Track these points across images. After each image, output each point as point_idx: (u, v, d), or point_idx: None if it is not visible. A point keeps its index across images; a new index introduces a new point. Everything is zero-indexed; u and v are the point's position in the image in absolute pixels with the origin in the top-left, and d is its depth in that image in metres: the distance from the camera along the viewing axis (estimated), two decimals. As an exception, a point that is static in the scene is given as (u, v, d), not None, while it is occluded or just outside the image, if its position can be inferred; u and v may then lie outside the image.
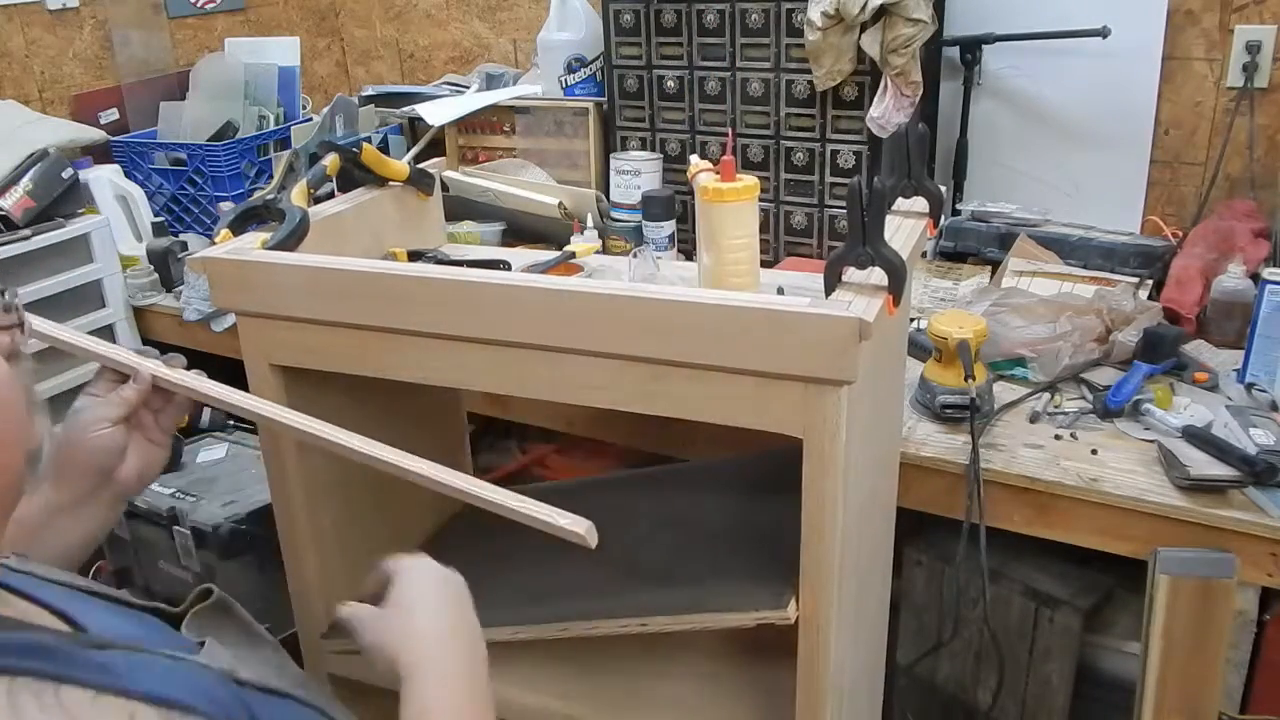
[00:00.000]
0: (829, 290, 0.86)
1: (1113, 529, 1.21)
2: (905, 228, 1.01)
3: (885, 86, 1.73)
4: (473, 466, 1.46)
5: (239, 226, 1.10)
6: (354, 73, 2.86)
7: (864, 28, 1.69)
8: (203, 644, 0.67)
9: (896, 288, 0.84)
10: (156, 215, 2.09)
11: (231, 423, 1.76)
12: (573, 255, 1.53)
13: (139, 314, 2.00)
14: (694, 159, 1.40)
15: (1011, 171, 1.96)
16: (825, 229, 1.92)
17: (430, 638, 0.79)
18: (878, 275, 0.85)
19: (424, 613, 0.80)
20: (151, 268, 1.98)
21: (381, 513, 1.21)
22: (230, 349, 1.73)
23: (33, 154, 1.89)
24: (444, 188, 1.56)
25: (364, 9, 2.76)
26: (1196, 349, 1.48)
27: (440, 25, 2.66)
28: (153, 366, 0.92)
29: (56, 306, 1.82)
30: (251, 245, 1.03)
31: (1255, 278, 1.45)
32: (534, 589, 1.12)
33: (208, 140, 2.13)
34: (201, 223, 2.13)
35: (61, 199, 1.91)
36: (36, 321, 0.97)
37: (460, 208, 1.97)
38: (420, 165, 1.28)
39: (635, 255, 1.48)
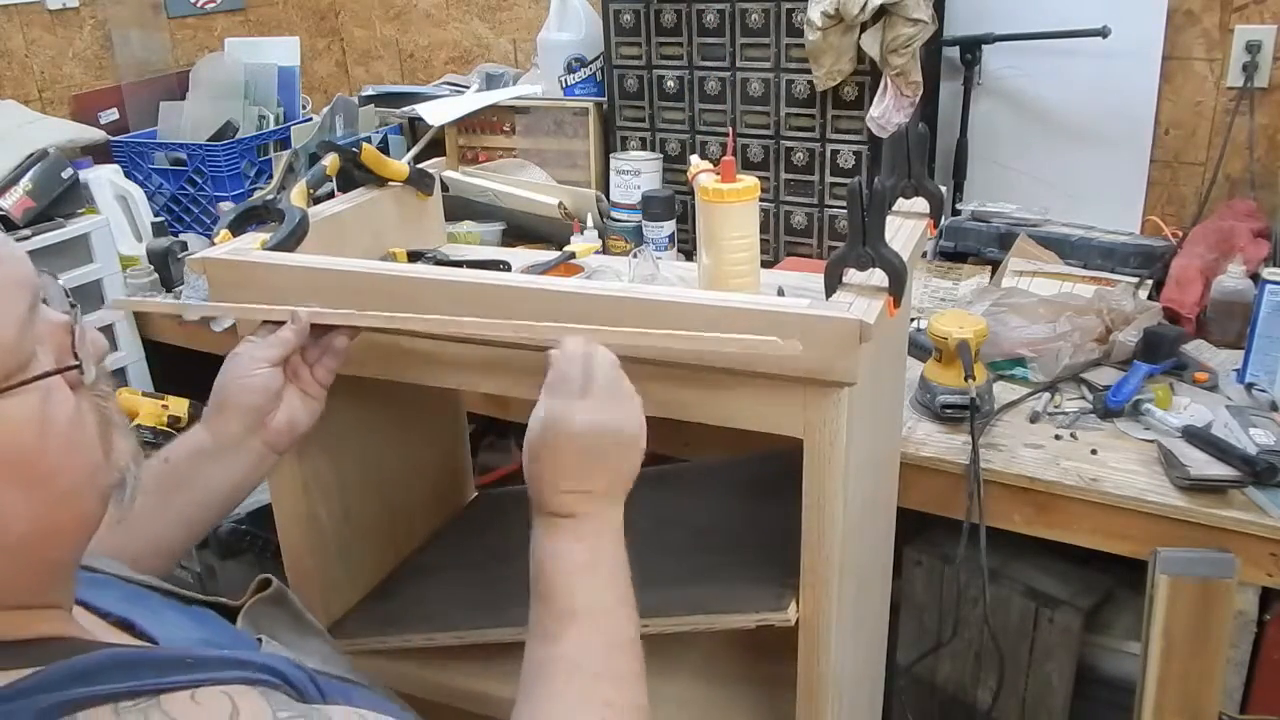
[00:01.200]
0: (829, 291, 0.86)
1: (1113, 529, 1.21)
2: (905, 228, 1.01)
3: (885, 86, 1.73)
4: (473, 466, 1.46)
5: (239, 227, 1.10)
6: (354, 73, 2.86)
7: (864, 28, 1.69)
8: (260, 640, 0.69)
9: (897, 289, 0.84)
10: (156, 215, 2.09)
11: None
12: (573, 255, 1.53)
13: (139, 314, 2.00)
14: (694, 159, 1.40)
15: (1011, 171, 1.95)
16: (825, 229, 1.92)
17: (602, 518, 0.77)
18: (878, 276, 0.85)
19: (605, 480, 0.77)
20: (151, 268, 1.97)
21: (381, 512, 1.21)
22: (230, 349, 1.72)
23: (33, 154, 1.89)
24: (444, 188, 1.56)
25: (364, 9, 2.76)
26: (1196, 349, 1.48)
27: (440, 25, 2.66)
28: (309, 309, 0.92)
29: (56, 306, 1.82)
30: (251, 245, 1.02)
31: (1255, 278, 1.45)
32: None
33: (208, 140, 2.13)
34: (201, 223, 2.13)
35: (61, 199, 1.90)
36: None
37: (460, 208, 1.97)
38: (420, 165, 1.28)
39: (635, 255, 1.48)
